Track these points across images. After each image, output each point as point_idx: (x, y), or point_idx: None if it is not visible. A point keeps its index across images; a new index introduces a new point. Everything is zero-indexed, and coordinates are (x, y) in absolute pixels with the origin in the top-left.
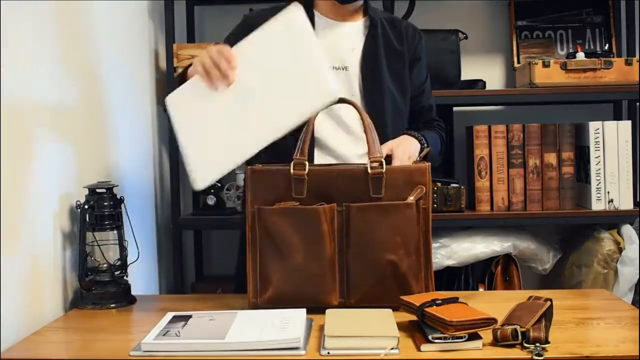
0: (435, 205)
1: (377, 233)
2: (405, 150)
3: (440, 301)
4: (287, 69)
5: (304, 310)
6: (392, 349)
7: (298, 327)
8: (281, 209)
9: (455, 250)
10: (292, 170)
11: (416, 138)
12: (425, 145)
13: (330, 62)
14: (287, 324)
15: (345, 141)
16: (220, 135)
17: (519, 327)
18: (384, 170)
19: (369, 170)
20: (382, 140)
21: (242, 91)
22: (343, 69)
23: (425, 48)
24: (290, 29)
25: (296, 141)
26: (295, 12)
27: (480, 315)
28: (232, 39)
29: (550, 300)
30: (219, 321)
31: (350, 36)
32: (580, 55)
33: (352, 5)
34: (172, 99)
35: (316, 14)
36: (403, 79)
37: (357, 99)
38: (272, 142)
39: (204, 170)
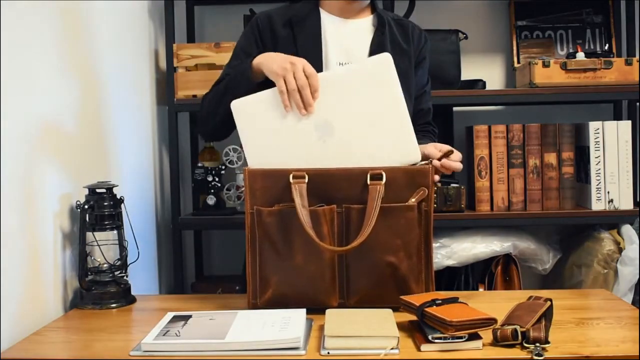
0: (435, 205)
1: (377, 235)
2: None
3: (440, 301)
4: (371, 116)
5: (303, 311)
6: (392, 349)
7: (298, 327)
8: (280, 210)
9: (455, 250)
10: (291, 180)
11: None
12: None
13: (336, 58)
14: (287, 324)
15: None
16: (294, 156)
17: (519, 327)
18: (383, 183)
19: (368, 174)
20: None
21: (320, 122)
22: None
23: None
24: (379, 76)
25: None
26: (386, 60)
27: (480, 315)
28: (246, 43)
29: (550, 300)
30: (219, 321)
31: (357, 33)
32: (580, 55)
33: (359, 4)
34: (238, 106)
35: (322, 11)
36: (409, 78)
37: None
38: None
39: None
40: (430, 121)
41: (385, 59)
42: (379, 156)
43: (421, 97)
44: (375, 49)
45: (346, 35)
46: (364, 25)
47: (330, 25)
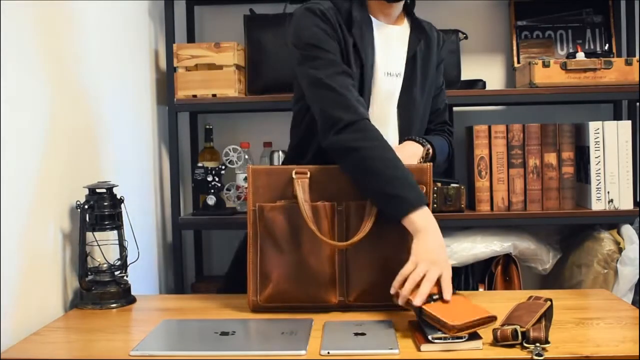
0: (435, 205)
1: (376, 230)
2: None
3: (437, 296)
4: None
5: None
6: (392, 349)
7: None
8: (282, 206)
9: (455, 250)
10: (294, 175)
11: (419, 143)
12: (428, 146)
13: (382, 68)
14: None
15: None
16: None
17: (519, 327)
18: None
19: None
20: None
21: None
22: (397, 76)
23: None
24: None
25: None
26: None
27: (480, 314)
28: (329, 28)
29: (550, 300)
30: None
31: (397, 42)
32: (580, 55)
33: (397, 5)
34: None
35: (372, 18)
36: (431, 85)
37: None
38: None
39: None
40: (447, 120)
41: None
42: None
43: (438, 96)
44: (410, 60)
45: (390, 44)
46: (402, 33)
47: (379, 32)
